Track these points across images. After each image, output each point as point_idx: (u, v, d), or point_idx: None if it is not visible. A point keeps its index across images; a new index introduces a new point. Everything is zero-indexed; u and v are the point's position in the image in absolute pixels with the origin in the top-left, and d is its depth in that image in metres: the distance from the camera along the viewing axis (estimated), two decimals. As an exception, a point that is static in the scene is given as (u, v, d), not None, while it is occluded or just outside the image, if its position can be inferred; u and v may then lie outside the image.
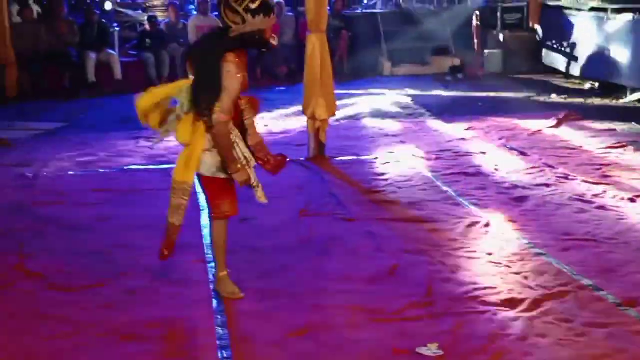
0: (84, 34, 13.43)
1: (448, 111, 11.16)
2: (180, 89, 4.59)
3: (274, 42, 4.55)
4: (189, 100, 4.48)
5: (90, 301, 4.74)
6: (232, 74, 4.33)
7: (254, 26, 4.36)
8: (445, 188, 7.13)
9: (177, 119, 4.56)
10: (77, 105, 12.03)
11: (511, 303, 4.61)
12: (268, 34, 4.47)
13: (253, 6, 4.33)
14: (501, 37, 15.01)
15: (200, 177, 4.63)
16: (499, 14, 15.18)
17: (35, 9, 14.31)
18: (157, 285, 4.92)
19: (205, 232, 5.76)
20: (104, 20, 13.84)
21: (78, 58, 13.24)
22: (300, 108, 8.53)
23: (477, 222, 6.11)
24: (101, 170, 7.98)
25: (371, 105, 11.83)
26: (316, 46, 8.09)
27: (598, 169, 7.71)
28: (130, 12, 14.77)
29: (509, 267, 5.19)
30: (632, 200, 6.66)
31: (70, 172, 7.83)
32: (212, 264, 5.18)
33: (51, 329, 4.38)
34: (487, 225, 6.05)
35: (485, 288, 4.82)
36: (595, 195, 6.82)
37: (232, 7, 4.35)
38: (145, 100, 4.63)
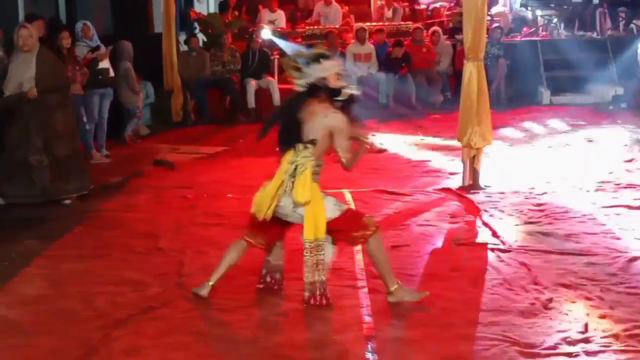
0: (246, 61, 13.90)
1: (609, 141, 10.80)
2: (276, 185, 5.16)
3: (350, 90, 4.92)
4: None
5: (245, 321, 4.87)
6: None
7: (311, 75, 4.84)
8: (605, 221, 6.89)
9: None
10: (237, 130, 12.38)
11: (675, 344, 4.39)
12: (332, 80, 4.86)
13: (305, 59, 4.89)
14: (667, 65, 14.39)
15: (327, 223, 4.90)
16: (665, 41, 14.58)
17: (201, 37, 14.94)
18: (309, 309, 4.98)
19: (358, 257, 5.81)
20: (264, 49, 14.25)
21: (240, 84, 13.71)
22: (455, 136, 8.48)
23: (638, 257, 5.87)
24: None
25: (528, 133, 11.61)
26: (473, 74, 8.03)
27: None
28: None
29: (673, 305, 4.96)
30: None
31: (229, 195, 8.08)
32: (365, 290, 5.22)
33: (206, 346, 4.53)
34: (649, 260, 5.80)
35: (646, 326, 4.62)
36: None
37: (292, 65, 4.91)
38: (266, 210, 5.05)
